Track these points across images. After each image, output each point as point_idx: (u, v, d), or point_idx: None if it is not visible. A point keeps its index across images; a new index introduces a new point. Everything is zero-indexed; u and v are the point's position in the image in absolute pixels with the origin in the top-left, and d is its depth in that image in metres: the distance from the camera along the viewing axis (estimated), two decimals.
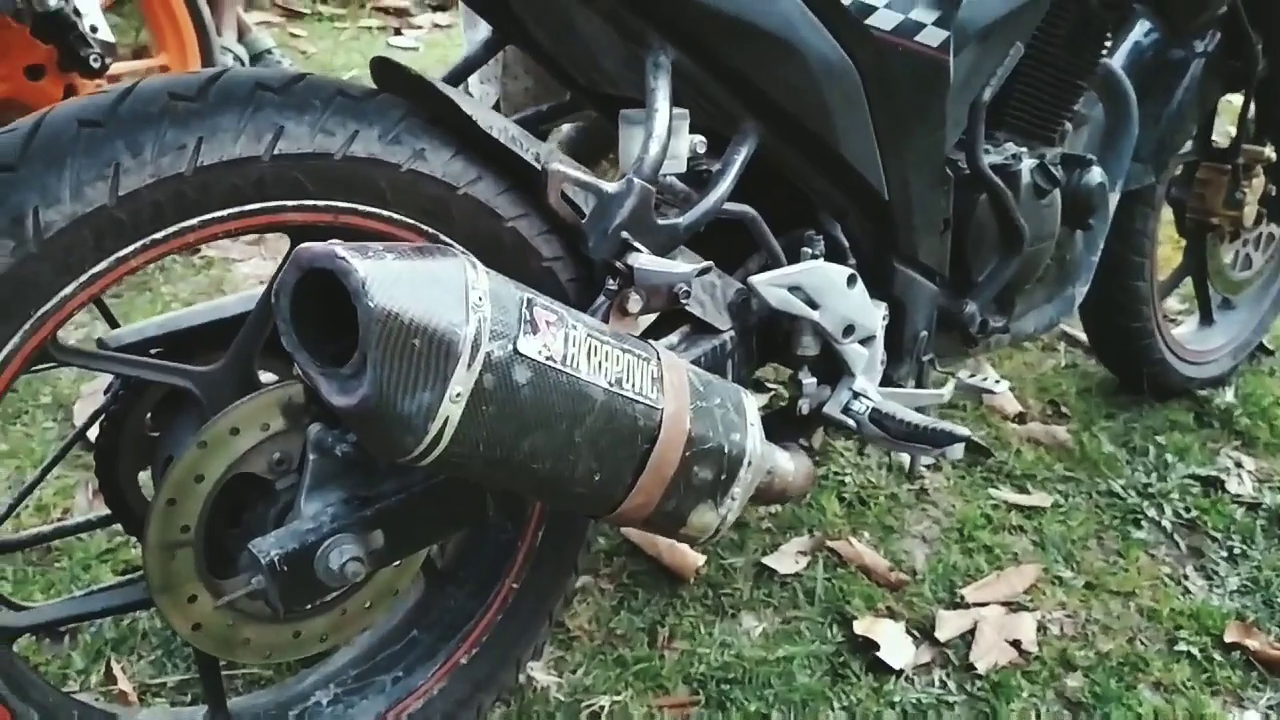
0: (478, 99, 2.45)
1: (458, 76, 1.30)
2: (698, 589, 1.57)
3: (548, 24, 1.20)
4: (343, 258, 0.75)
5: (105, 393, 1.14)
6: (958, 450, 1.21)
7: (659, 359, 0.96)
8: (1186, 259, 2.05)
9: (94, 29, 2.03)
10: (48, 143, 0.86)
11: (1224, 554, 1.72)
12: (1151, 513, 1.78)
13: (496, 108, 2.50)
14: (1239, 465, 1.92)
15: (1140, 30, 1.77)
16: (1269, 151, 1.87)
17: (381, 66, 1.05)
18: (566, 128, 2.58)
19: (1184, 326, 2.19)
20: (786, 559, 1.62)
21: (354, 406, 0.77)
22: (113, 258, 0.89)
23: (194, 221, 0.92)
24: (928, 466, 1.84)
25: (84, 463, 1.64)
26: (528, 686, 1.38)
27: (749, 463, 1.02)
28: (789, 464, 1.18)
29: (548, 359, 0.84)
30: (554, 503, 0.95)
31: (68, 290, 0.88)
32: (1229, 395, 2.10)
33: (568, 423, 0.86)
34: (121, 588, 1.09)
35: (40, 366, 0.94)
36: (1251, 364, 2.21)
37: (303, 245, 0.79)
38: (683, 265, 1.02)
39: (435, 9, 3.81)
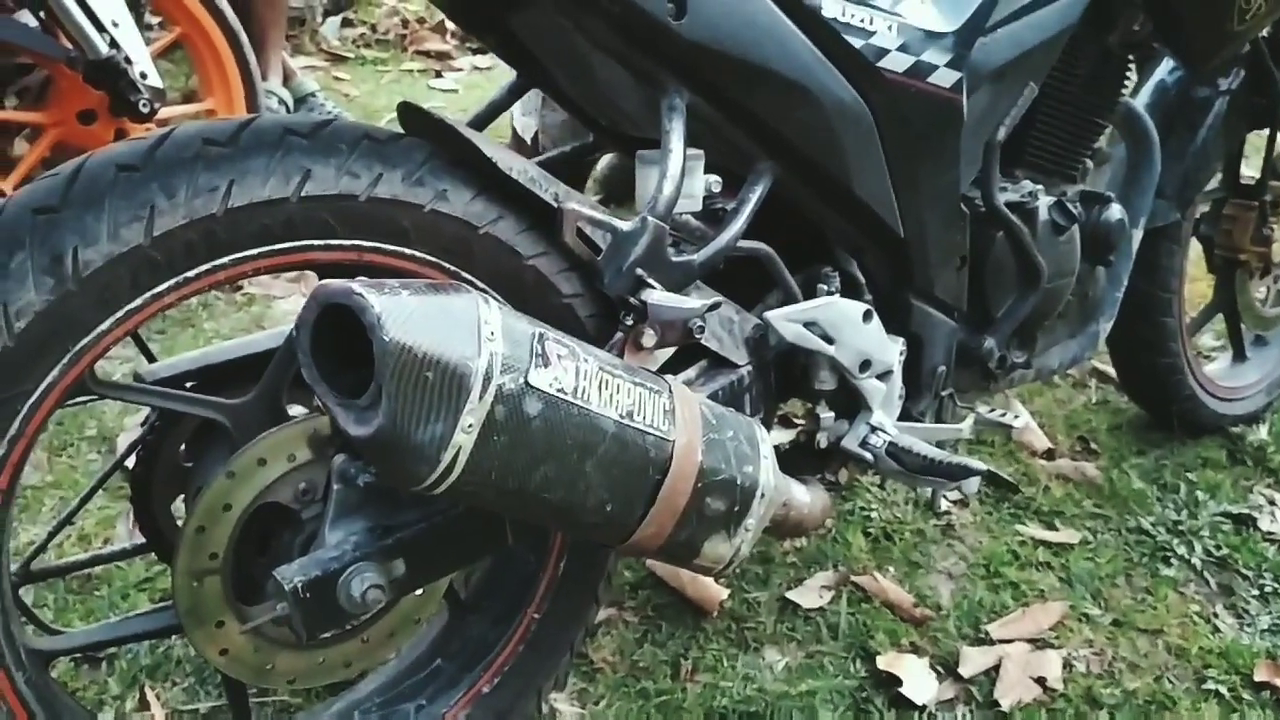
0: (520, 129, 2.51)
1: (484, 119, 1.34)
2: (721, 622, 1.58)
3: (569, 69, 1.24)
4: (359, 294, 0.78)
5: (141, 425, 1.19)
6: (973, 484, 1.22)
7: (671, 392, 0.98)
8: (1217, 295, 2.04)
9: (143, 75, 2.11)
10: (88, 186, 0.91)
11: (1255, 592, 1.70)
12: (1181, 550, 1.77)
13: (536, 139, 2.57)
14: (1272, 503, 1.90)
15: (1165, 69, 1.79)
16: None
17: (407, 111, 1.09)
18: (602, 164, 2.64)
19: (1217, 363, 2.18)
20: (810, 593, 1.63)
21: (369, 436, 0.80)
22: (147, 295, 0.93)
23: (225, 260, 0.96)
24: (955, 503, 1.84)
25: (126, 494, 1.69)
26: (550, 717, 1.40)
27: (762, 494, 1.04)
28: (805, 496, 1.19)
29: (559, 391, 0.87)
30: (568, 531, 0.98)
31: (104, 326, 0.92)
32: (1263, 432, 2.08)
33: (579, 453, 0.89)
34: (154, 614, 1.13)
35: (78, 400, 0.98)
36: None
37: (321, 283, 0.83)
38: (695, 300, 1.04)
39: (475, 52, 3.90)
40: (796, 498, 1.18)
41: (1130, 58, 1.54)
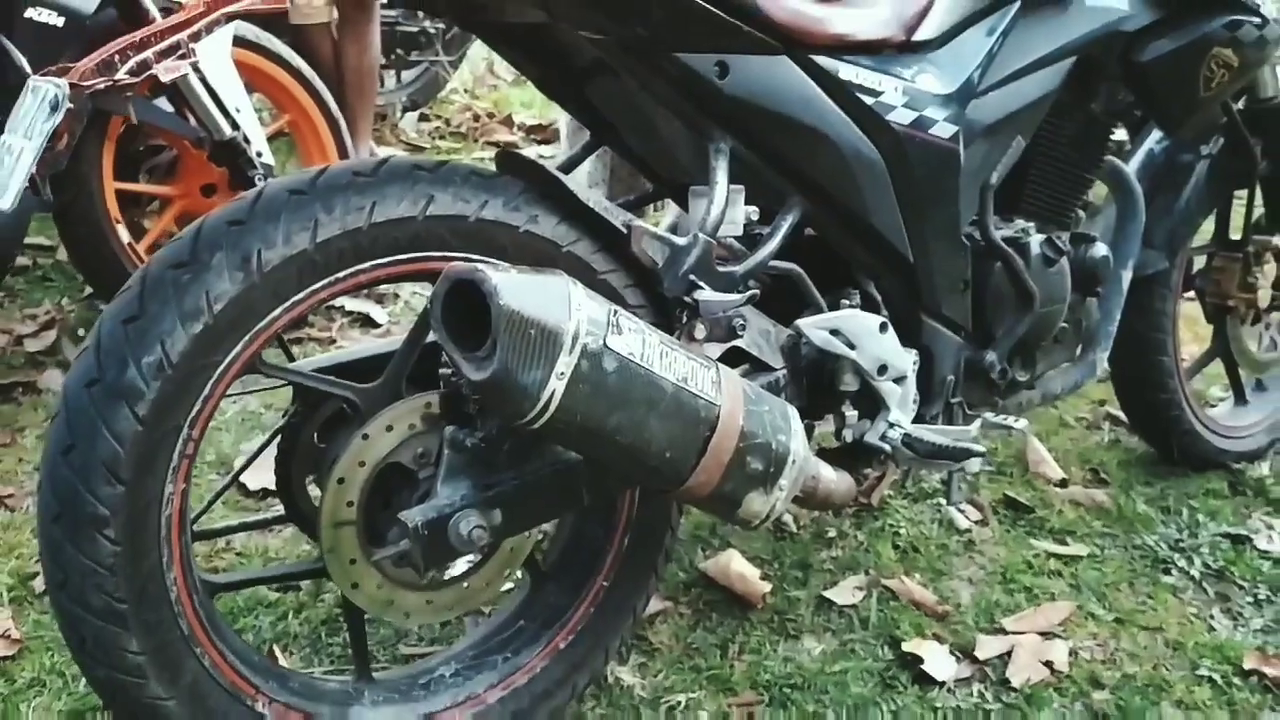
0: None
1: (564, 171, 1.62)
2: (765, 615, 1.78)
3: (635, 127, 1.52)
4: (480, 270, 1.04)
5: (283, 415, 1.45)
6: (975, 464, 1.45)
7: (718, 369, 1.23)
8: (1214, 342, 2.25)
9: (259, 154, 2.43)
10: (267, 205, 1.19)
11: (1249, 599, 1.88)
12: (1181, 563, 1.95)
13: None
14: (1270, 527, 2.08)
15: (1154, 138, 2.04)
16: (1277, 240, 2.09)
17: (505, 156, 1.36)
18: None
19: (1222, 406, 2.38)
20: (844, 592, 1.83)
21: (486, 379, 1.05)
22: (308, 290, 1.20)
23: (366, 265, 1.23)
24: (975, 522, 2.04)
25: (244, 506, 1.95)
26: (615, 686, 1.61)
27: (793, 461, 1.27)
28: (832, 474, 1.42)
29: (629, 354, 1.11)
30: (635, 473, 1.21)
31: (275, 313, 1.19)
32: (1264, 469, 2.26)
33: (645, 406, 1.13)
34: (298, 563, 1.37)
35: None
36: None
37: (451, 265, 1.09)
38: (736, 295, 1.29)
39: (540, 143, 4.25)
40: (824, 474, 1.40)
41: (1114, 124, 1.80)
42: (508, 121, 4.53)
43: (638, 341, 1.13)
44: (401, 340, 1.34)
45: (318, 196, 1.20)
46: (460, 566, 1.34)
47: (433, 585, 1.34)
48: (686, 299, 1.29)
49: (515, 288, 1.05)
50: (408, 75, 4.58)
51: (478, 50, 5.00)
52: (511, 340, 1.04)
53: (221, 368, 1.17)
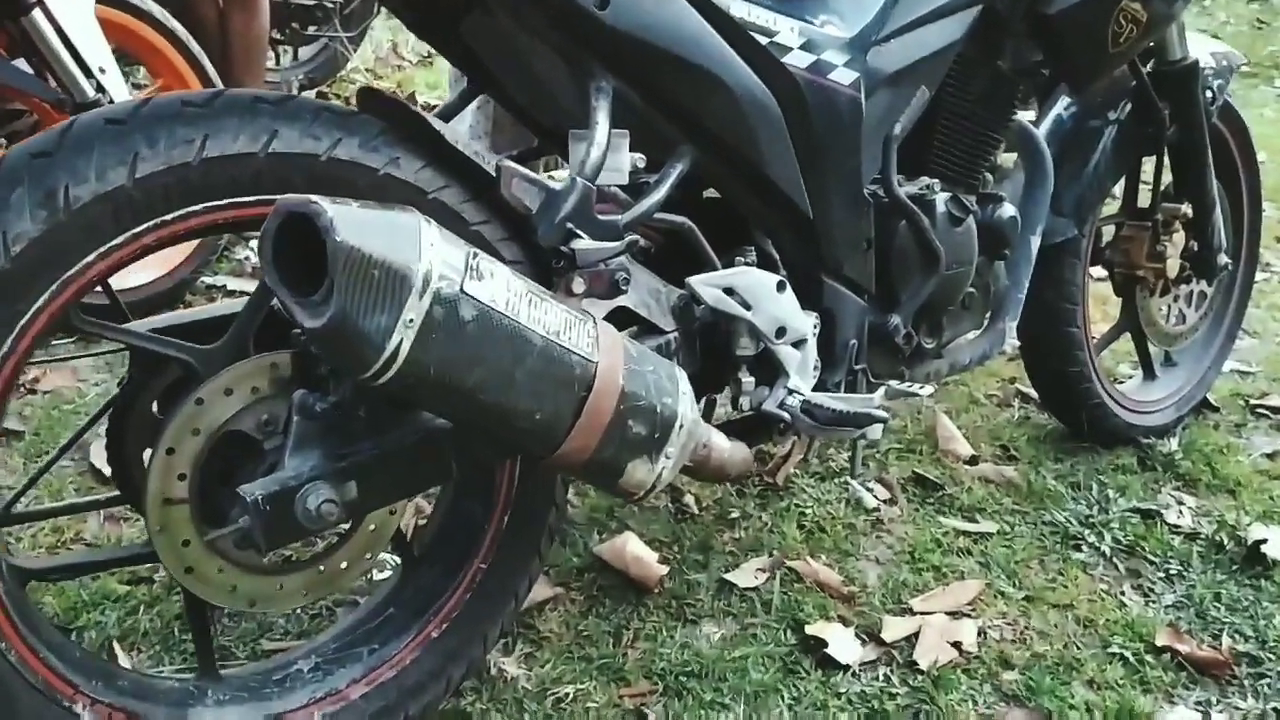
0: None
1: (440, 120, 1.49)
2: (662, 599, 1.67)
3: (513, 69, 1.40)
4: (315, 202, 0.91)
5: (119, 385, 1.30)
6: (877, 430, 1.35)
7: (595, 322, 1.11)
8: (1122, 315, 2.20)
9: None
10: (79, 136, 1.04)
11: (1160, 575, 1.82)
12: (1092, 539, 1.89)
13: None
14: (1179, 502, 2.03)
15: (1062, 104, 1.97)
16: (1185, 209, 2.05)
17: (365, 92, 1.23)
18: None
19: (1131, 381, 2.33)
20: (746, 574, 1.73)
21: (322, 326, 0.92)
22: (128, 234, 1.06)
23: (198, 207, 1.09)
24: (883, 500, 1.96)
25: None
26: (499, 678, 1.49)
27: (680, 425, 1.16)
28: (725, 443, 1.31)
29: (490, 301, 0.99)
30: (502, 436, 1.08)
31: (89, 259, 1.04)
32: (1173, 444, 2.22)
33: (509, 361, 1.01)
34: (127, 547, 1.22)
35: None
36: (1196, 418, 2.34)
37: (283, 196, 0.96)
38: (614, 243, 1.18)
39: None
40: (717, 442, 1.30)
41: (1021, 82, 1.72)
42: (411, 101, 4.35)
43: (501, 287, 1.01)
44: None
45: (139, 127, 1.06)
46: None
47: (283, 569, 1.20)
48: (563, 249, 1.18)
49: (357, 222, 0.92)
50: (305, 52, 4.38)
51: (381, 29, 4.83)
52: (351, 282, 0.91)
53: (24, 321, 1.02)
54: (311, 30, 4.20)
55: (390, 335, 0.93)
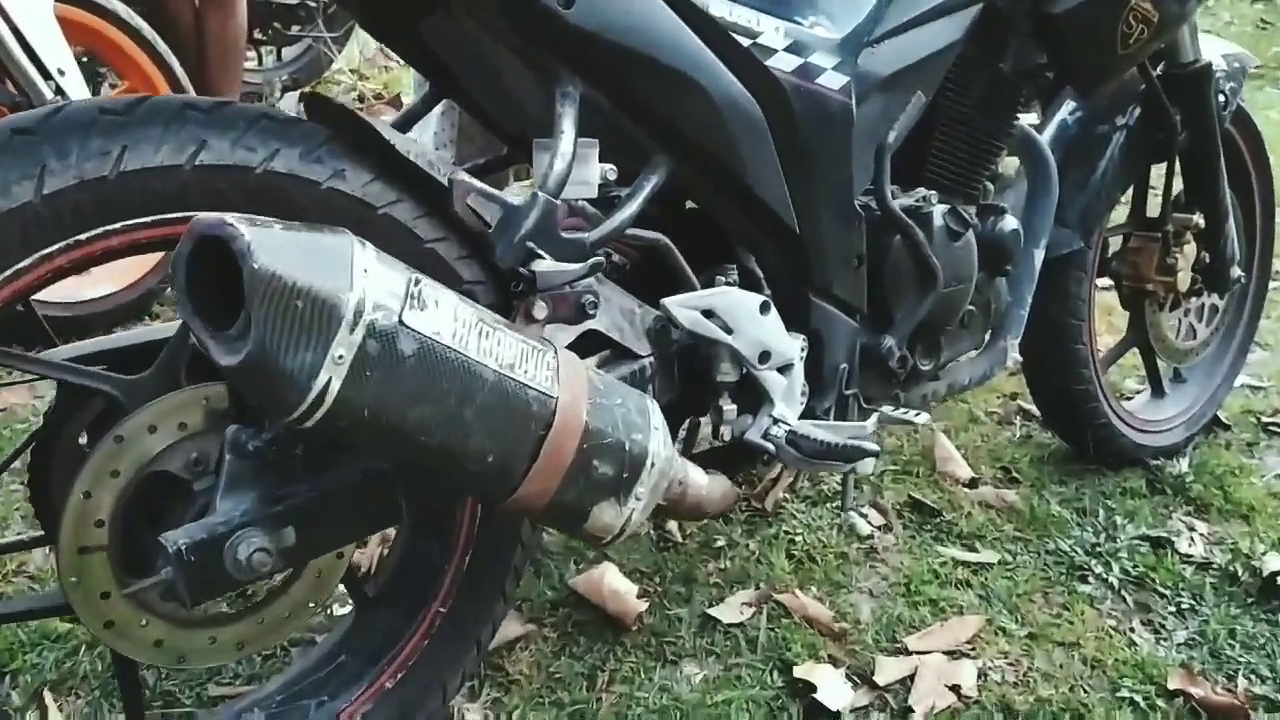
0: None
1: (400, 129, 1.38)
2: (640, 637, 1.57)
3: (477, 73, 1.29)
4: (230, 224, 0.81)
5: (44, 415, 1.19)
6: (868, 465, 1.24)
7: (555, 353, 1.00)
8: (1131, 330, 2.09)
9: None
10: None
11: (1172, 609, 1.72)
12: (1099, 570, 1.78)
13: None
14: (1191, 529, 1.92)
15: (1067, 109, 1.87)
16: (1197, 219, 1.94)
17: (312, 99, 1.13)
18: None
19: (1138, 398, 2.23)
20: (731, 609, 1.63)
21: (239, 364, 0.81)
22: (37, 255, 0.95)
23: (117, 226, 0.98)
24: (878, 527, 1.86)
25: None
26: None
27: (652, 464, 1.06)
28: (702, 478, 1.21)
29: (435, 334, 0.89)
30: (452, 479, 0.98)
31: None
32: (1183, 465, 2.11)
33: (456, 399, 0.90)
34: (42, 596, 1.12)
35: None
36: (1207, 437, 2.23)
37: (197, 217, 0.85)
38: (577, 265, 1.07)
39: None
40: (694, 479, 1.19)
41: (1024, 86, 1.61)
42: (396, 103, 4.24)
43: (447, 317, 0.90)
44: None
45: (48, 138, 0.95)
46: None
47: (216, 620, 1.10)
48: (523, 270, 1.07)
49: (278, 246, 0.82)
50: (289, 53, 4.27)
51: None
52: (271, 313, 0.81)
53: None
54: (295, 30, 4.09)
55: (317, 374, 0.82)
